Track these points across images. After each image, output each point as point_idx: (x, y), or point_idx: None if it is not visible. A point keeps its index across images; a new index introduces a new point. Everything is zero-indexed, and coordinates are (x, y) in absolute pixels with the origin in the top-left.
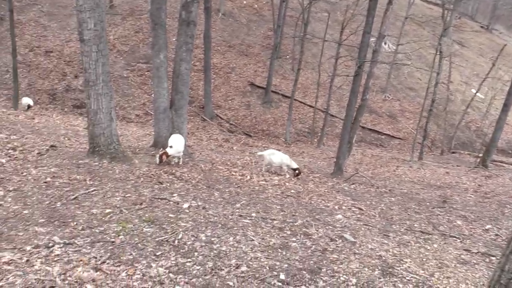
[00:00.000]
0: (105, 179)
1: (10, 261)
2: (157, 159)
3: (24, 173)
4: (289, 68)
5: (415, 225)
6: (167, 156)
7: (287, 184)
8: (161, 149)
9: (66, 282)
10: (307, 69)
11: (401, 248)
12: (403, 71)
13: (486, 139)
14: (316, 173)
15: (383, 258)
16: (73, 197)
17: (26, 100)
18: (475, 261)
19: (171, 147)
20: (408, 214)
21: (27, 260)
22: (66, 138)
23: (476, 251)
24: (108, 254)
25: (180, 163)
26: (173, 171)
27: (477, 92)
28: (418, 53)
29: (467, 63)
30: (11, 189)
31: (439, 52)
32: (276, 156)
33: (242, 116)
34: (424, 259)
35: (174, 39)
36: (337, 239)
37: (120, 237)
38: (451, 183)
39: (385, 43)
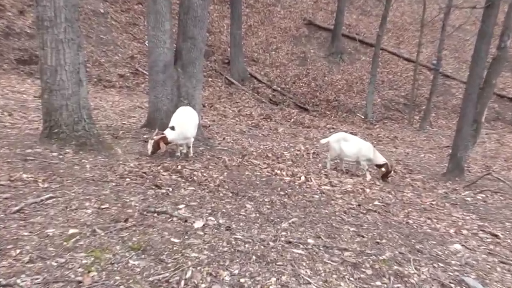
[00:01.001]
0: (69, 180)
1: None
2: (149, 147)
3: None
4: None
5: None
6: (167, 143)
7: (367, 190)
8: (156, 130)
9: None
10: None
11: None
12: None
13: None
14: (417, 172)
15: None
16: (16, 208)
17: None
18: None
19: (173, 128)
20: None
21: None
22: (6, 113)
23: None
24: None
25: (191, 154)
26: (179, 167)
27: None
28: None
29: None
30: None
31: None
32: (349, 145)
33: (294, 76)
34: None
35: None
36: (452, 285)
37: (92, 274)
38: None
39: None
